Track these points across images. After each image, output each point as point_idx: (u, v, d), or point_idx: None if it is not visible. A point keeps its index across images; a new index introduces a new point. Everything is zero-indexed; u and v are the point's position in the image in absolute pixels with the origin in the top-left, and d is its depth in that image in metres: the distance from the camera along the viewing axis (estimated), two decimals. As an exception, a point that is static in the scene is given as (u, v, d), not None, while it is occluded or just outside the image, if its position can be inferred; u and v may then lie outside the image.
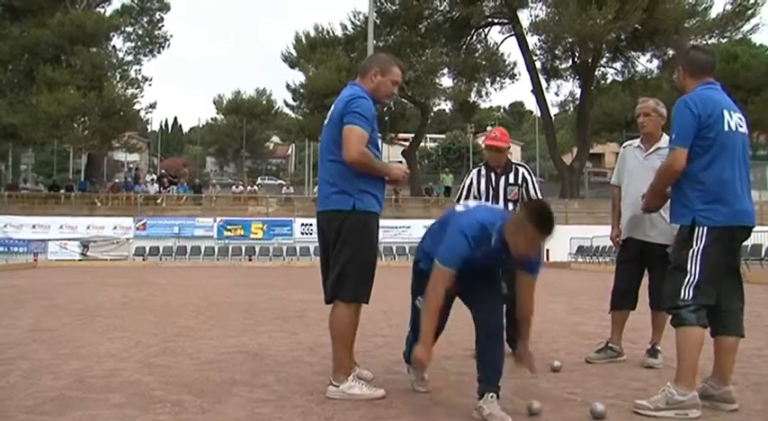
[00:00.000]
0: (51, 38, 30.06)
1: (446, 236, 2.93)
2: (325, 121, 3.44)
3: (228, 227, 25.37)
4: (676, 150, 3.05)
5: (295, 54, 36.01)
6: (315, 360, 4.28)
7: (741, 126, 3.14)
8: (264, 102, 57.12)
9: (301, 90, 35.85)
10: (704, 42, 29.51)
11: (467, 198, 4.52)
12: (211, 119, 64.48)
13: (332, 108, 3.40)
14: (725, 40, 31.99)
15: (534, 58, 33.99)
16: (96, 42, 32.05)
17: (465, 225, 2.90)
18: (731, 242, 3.11)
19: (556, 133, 37.87)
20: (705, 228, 3.01)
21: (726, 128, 3.05)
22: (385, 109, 32.40)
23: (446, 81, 36.02)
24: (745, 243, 3.32)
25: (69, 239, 24.19)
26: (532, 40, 33.65)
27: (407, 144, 37.84)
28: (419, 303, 3.03)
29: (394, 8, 32.81)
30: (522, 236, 2.79)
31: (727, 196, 3.03)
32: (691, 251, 3.02)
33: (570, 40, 31.06)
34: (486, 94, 36.35)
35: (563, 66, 35.06)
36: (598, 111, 36.14)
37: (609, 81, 36.20)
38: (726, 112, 3.07)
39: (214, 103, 59.63)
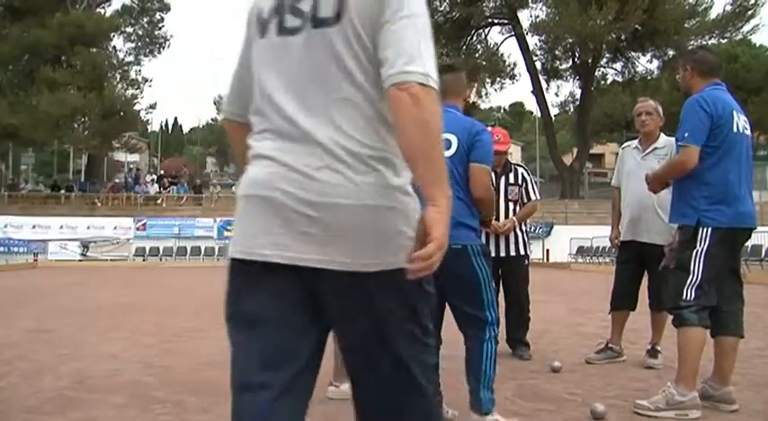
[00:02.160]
0: (52, 38, 30.04)
1: (479, 146, 2.70)
2: None
3: (229, 227, 25.32)
4: (690, 148, 3.01)
5: (295, 54, 36.00)
6: (315, 360, 4.27)
7: (746, 128, 3.15)
8: (265, 102, 57.09)
9: (301, 90, 35.85)
10: (704, 43, 29.51)
11: None
12: (212, 119, 64.55)
13: None
14: (725, 40, 31.99)
15: (534, 58, 34.00)
16: (97, 43, 32.04)
17: (481, 130, 2.75)
18: (734, 243, 3.12)
19: (556, 133, 37.87)
20: (709, 229, 3.00)
21: (734, 129, 3.06)
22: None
23: (446, 81, 36.02)
24: (745, 243, 3.32)
25: (69, 239, 24.20)
26: (532, 41, 33.68)
27: (407, 144, 37.82)
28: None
29: (394, 8, 32.81)
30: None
31: (732, 198, 3.03)
32: (694, 252, 3.02)
33: (570, 40, 31.07)
34: (486, 94, 36.36)
35: (563, 66, 35.08)
36: (598, 111, 36.11)
37: (609, 81, 36.20)
38: (735, 114, 3.08)
39: (214, 104, 59.62)
